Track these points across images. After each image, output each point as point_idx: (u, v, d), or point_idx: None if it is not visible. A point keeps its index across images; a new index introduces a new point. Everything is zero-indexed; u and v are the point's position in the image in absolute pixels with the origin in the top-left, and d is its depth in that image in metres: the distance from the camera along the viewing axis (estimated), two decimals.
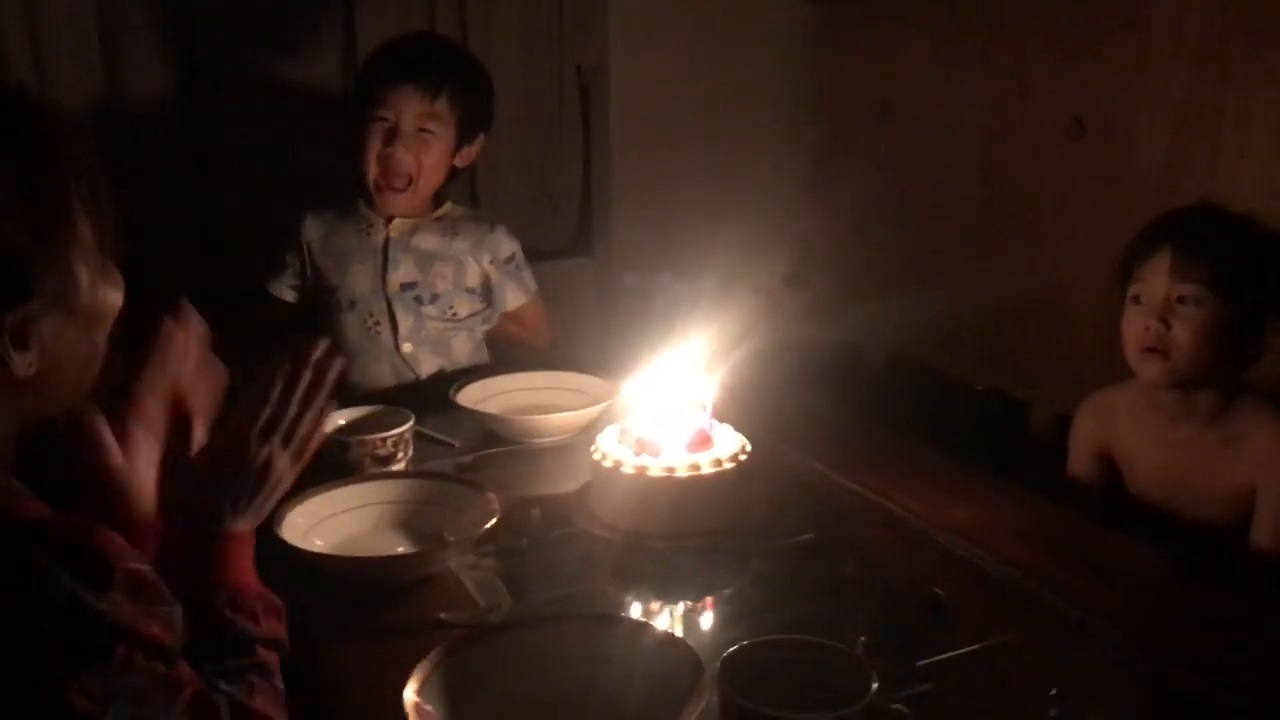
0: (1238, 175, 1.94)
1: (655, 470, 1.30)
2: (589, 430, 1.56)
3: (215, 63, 2.17)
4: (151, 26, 2.12)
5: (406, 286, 1.93)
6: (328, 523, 1.31)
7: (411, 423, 1.50)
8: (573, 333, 2.27)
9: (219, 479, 0.97)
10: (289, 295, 1.98)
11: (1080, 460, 1.72)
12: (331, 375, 1.02)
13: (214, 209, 2.21)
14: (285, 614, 0.99)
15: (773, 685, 0.90)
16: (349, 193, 1.97)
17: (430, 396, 1.71)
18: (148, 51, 2.12)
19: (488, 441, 1.61)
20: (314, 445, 1.02)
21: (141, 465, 1.02)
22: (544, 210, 2.59)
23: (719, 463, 1.32)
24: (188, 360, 1.03)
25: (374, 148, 1.86)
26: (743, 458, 1.34)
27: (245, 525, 0.98)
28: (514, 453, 1.59)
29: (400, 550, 1.30)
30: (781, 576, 1.29)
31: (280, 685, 0.94)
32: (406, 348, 1.93)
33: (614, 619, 1.09)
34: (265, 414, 0.99)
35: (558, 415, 1.61)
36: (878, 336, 2.78)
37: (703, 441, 1.35)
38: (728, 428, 1.40)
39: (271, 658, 0.95)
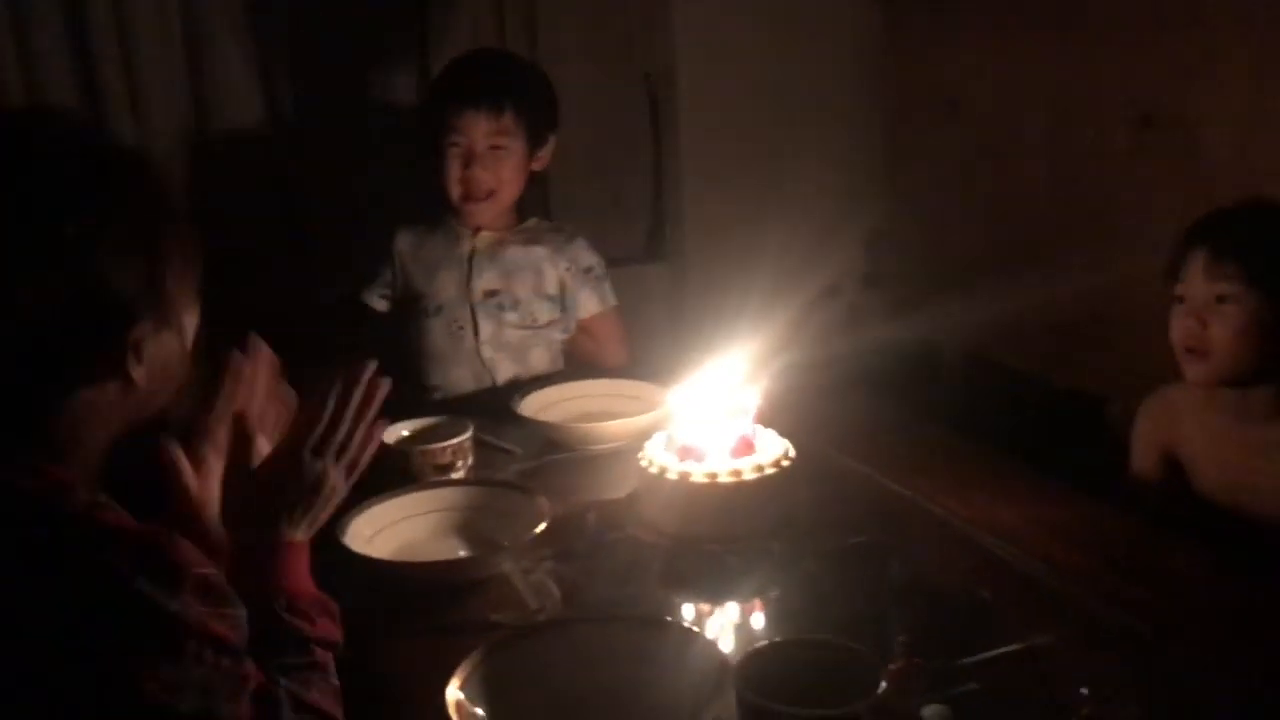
0: None
1: (699, 476, 1.34)
2: (646, 436, 1.57)
3: (298, 86, 2.29)
4: (237, 57, 2.24)
5: (490, 294, 2.02)
6: (390, 529, 1.39)
7: (470, 434, 1.57)
8: (645, 339, 2.31)
9: (277, 493, 1.05)
10: (380, 304, 2.09)
11: (1143, 459, 1.71)
12: (380, 394, 1.10)
13: (303, 228, 2.32)
14: (340, 615, 1.06)
15: (793, 684, 0.94)
16: (437, 206, 2.07)
17: (504, 403, 1.78)
18: (234, 79, 2.25)
19: (548, 449, 1.68)
20: (365, 460, 1.10)
21: (213, 488, 1.10)
22: (615, 218, 2.65)
23: (761, 468, 1.35)
24: (256, 389, 1.12)
25: (454, 171, 1.97)
26: (786, 463, 1.38)
27: (301, 535, 1.06)
28: (572, 459, 1.65)
29: (456, 555, 1.37)
30: (829, 578, 1.31)
31: (336, 682, 1.01)
32: (487, 353, 2.02)
33: (646, 620, 1.15)
34: (319, 432, 1.06)
35: (609, 423, 1.67)
36: (954, 336, 2.78)
37: (746, 447, 1.39)
38: (772, 433, 1.44)
39: (326, 656, 1.01)
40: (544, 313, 2.05)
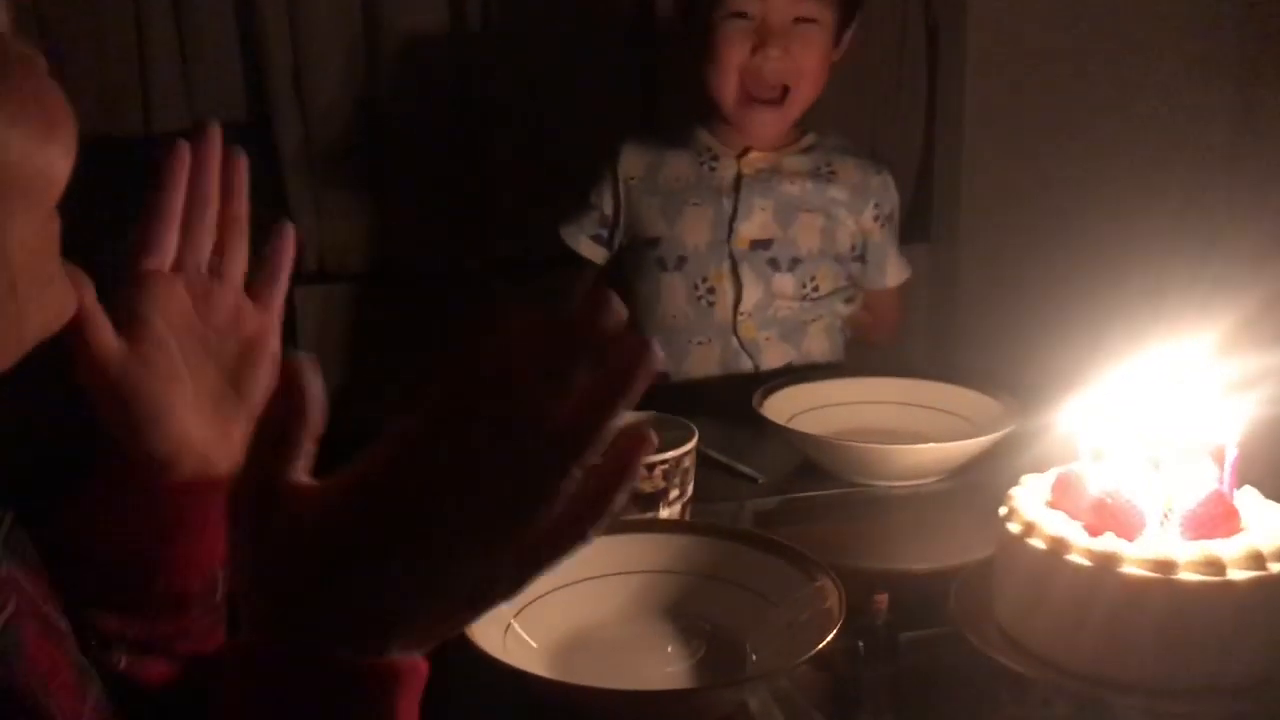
0: None
1: (1133, 565, 0.74)
2: (970, 473, 1.09)
3: None
4: None
5: (758, 245, 1.52)
6: (543, 602, 0.82)
7: (693, 444, 0.99)
8: (903, 335, 1.87)
9: (397, 543, 0.47)
10: (591, 250, 1.58)
11: None
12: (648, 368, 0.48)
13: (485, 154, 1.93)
14: None
15: None
16: (681, 117, 1.61)
17: (744, 401, 1.24)
18: None
19: (803, 477, 1.14)
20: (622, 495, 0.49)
21: (161, 374, 0.64)
22: None
23: (1259, 559, 0.73)
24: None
25: (733, 56, 1.47)
26: None
27: (424, 647, 0.49)
28: (846, 499, 1.11)
29: (670, 675, 0.78)
30: None
31: None
32: (747, 329, 1.52)
33: None
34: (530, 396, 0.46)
35: (926, 446, 1.10)
36: None
37: (1223, 517, 0.76)
38: (1255, 494, 0.81)
39: None
40: (829, 278, 1.54)
